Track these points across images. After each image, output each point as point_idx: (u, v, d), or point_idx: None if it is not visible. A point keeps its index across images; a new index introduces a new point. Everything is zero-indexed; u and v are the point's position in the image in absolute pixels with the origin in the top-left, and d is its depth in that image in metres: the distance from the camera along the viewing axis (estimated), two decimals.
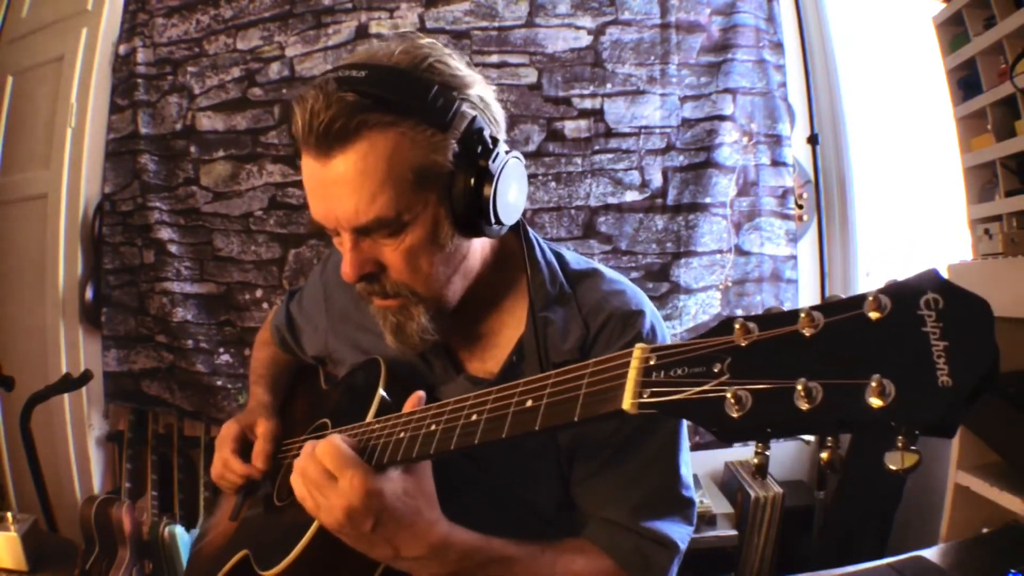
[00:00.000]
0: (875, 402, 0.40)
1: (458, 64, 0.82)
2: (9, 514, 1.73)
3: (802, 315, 0.45)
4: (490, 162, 0.79)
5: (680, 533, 0.87)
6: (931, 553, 1.40)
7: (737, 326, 0.48)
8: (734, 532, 2.11)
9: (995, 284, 1.56)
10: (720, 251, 2.29)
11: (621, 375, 0.54)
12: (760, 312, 0.49)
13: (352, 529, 0.72)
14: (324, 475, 0.72)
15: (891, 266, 2.36)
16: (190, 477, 2.48)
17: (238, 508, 1.02)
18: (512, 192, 0.83)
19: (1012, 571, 1.21)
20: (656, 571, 0.85)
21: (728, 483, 2.31)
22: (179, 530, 2.05)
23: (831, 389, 0.42)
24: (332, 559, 0.79)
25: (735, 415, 0.45)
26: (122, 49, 2.49)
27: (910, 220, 2.32)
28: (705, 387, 0.48)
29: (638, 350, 0.55)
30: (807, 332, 0.45)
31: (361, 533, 0.73)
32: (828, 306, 0.45)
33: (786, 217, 2.33)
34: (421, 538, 0.74)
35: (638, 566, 0.84)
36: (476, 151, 0.79)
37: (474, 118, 0.79)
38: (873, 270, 2.39)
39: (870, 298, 0.43)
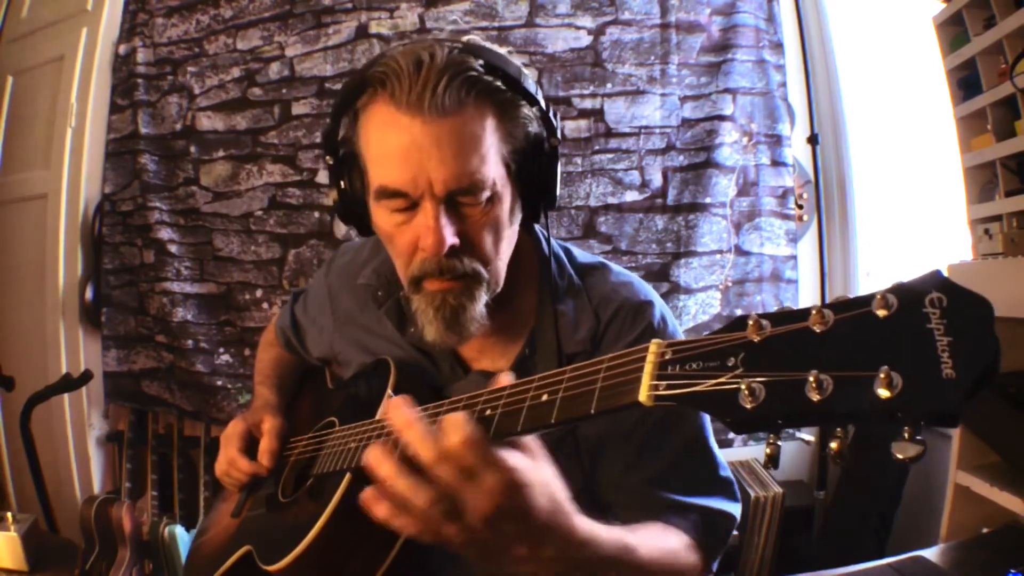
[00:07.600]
0: (883, 393, 0.42)
1: None
2: (9, 514, 1.73)
3: (813, 312, 0.47)
4: (558, 142, 0.83)
5: (732, 507, 0.92)
6: (931, 553, 1.40)
7: (750, 322, 0.50)
8: (734, 532, 2.11)
9: (995, 284, 1.55)
10: (720, 251, 2.29)
11: (637, 369, 0.55)
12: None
13: (494, 536, 0.59)
14: (462, 475, 0.57)
15: (891, 266, 2.36)
16: (190, 477, 2.48)
17: (240, 505, 1.02)
18: (559, 181, 0.87)
19: (1012, 571, 1.21)
20: (723, 539, 0.91)
21: None
22: (179, 530, 2.04)
23: (841, 381, 0.44)
24: (339, 552, 0.79)
25: (748, 406, 0.47)
26: (122, 49, 2.49)
27: (910, 220, 2.32)
28: (720, 379, 0.49)
29: (654, 345, 0.56)
30: (818, 328, 0.47)
31: (496, 538, 0.59)
32: (837, 304, 0.47)
33: (786, 217, 2.33)
34: (562, 536, 0.62)
35: (710, 535, 0.88)
36: (553, 129, 0.82)
37: (546, 100, 0.83)
38: (873, 270, 2.39)
39: (878, 296, 0.45)
